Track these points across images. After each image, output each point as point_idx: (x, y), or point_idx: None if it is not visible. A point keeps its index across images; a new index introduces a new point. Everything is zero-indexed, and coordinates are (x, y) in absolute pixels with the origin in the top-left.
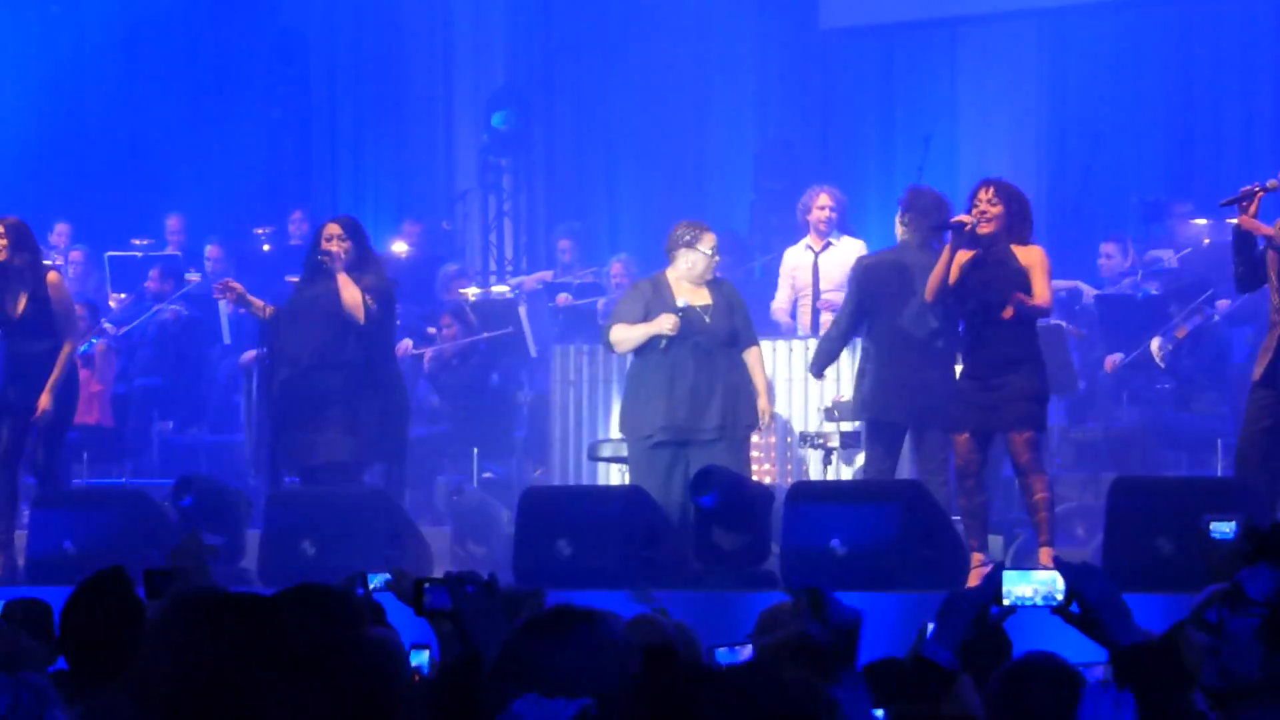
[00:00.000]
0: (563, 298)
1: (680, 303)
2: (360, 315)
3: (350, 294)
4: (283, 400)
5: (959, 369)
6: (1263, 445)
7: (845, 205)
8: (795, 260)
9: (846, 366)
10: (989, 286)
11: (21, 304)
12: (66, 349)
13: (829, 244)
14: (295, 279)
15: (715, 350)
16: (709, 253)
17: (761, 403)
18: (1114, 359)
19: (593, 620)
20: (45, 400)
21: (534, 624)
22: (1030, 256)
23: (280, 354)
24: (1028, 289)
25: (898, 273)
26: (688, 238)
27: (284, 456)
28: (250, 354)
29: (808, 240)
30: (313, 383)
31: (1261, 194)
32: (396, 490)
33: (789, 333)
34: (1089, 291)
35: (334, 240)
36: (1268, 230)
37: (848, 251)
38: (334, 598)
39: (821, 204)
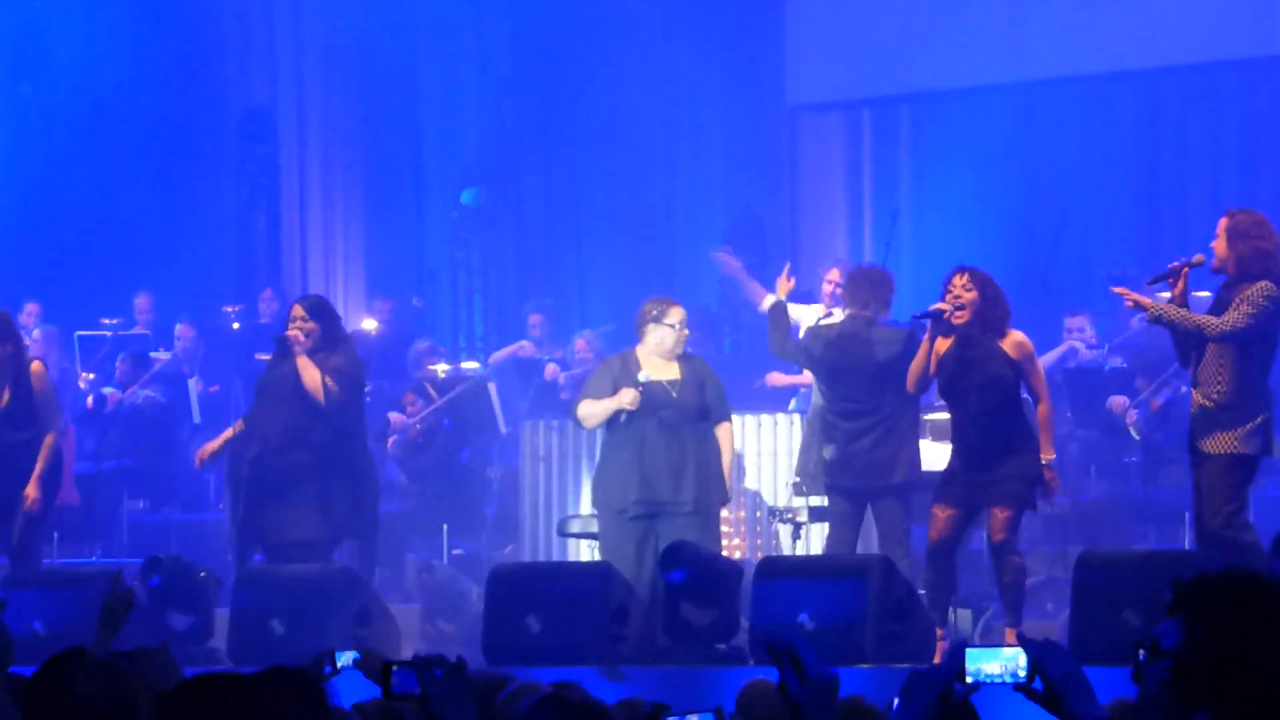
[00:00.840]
0: (551, 368)
1: (642, 377)
2: (320, 397)
3: (310, 376)
4: (252, 478)
5: (927, 442)
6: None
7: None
8: (808, 319)
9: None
10: (989, 389)
11: (5, 396)
12: (49, 440)
13: (830, 313)
14: (266, 357)
15: (683, 425)
16: (676, 326)
17: (711, 459)
18: (1119, 401)
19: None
20: (33, 490)
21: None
22: (1020, 349)
23: (251, 432)
24: (1020, 381)
25: (850, 344)
26: (655, 313)
27: (254, 534)
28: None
29: (819, 305)
30: (282, 461)
31: (1188, 269)
32: (367, 568)
33: (770, 404)
34: (1084, 351)
35: (297, 321)
36: (1145, 302)
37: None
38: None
39: (830, 278)
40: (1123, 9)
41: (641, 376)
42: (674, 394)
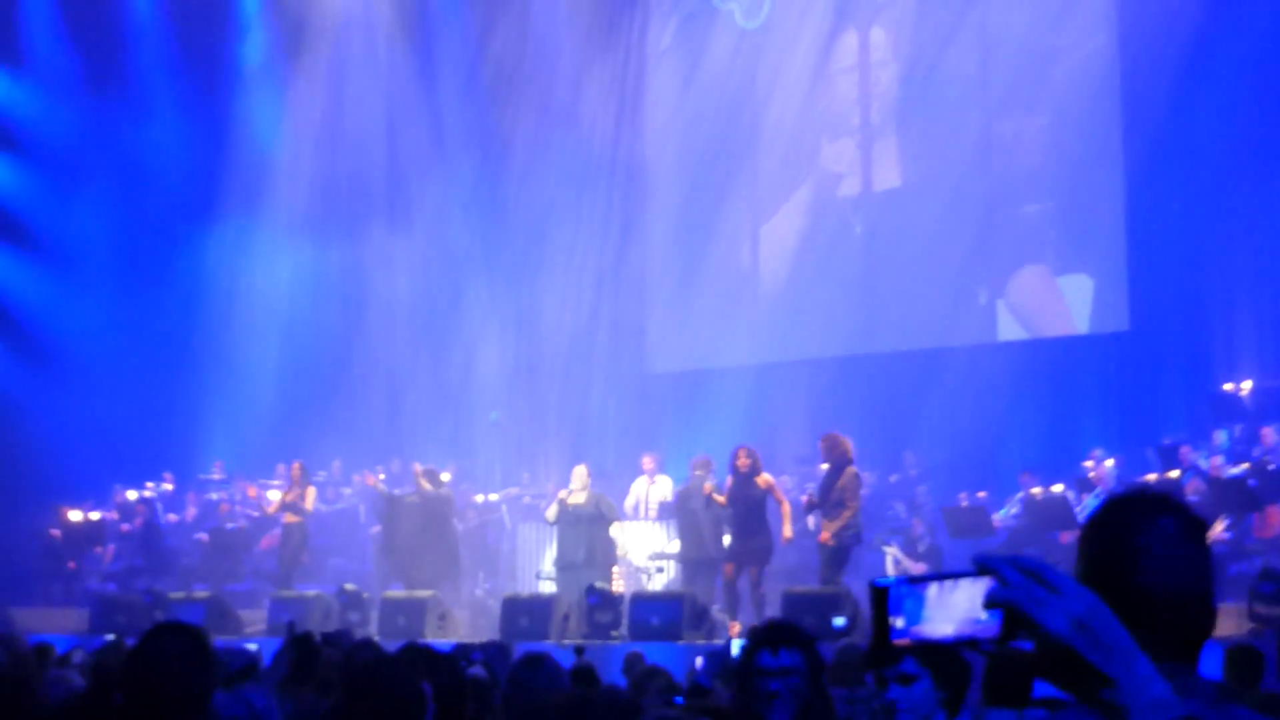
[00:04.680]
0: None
1: (555, 507)
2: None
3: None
4: (404, 548)
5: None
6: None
7: (661, 462)
8: (639, 489)
9: (659, 535)
10: (747, 503)
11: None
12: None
13: (654, 481)
14: (400, 491)
15: (581, 524)
16: (575, 478)
17: (606, 544)
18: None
19: (548, 660)
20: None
21: (524, 661)
22: (765, 482)
23: (398, 525)
24: (767, 497)
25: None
26: (571, 475)
27: (401, 576)
28: (376, 528)
29: (645, 477)
30: (420, 541)
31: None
32: (454, 592)
33: (634, 518)
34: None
35: (420, 476)
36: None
37: (663, 485)
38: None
39: (645, 465)
40: (849, 308)
41: (557, 502)
42: (569, 506)
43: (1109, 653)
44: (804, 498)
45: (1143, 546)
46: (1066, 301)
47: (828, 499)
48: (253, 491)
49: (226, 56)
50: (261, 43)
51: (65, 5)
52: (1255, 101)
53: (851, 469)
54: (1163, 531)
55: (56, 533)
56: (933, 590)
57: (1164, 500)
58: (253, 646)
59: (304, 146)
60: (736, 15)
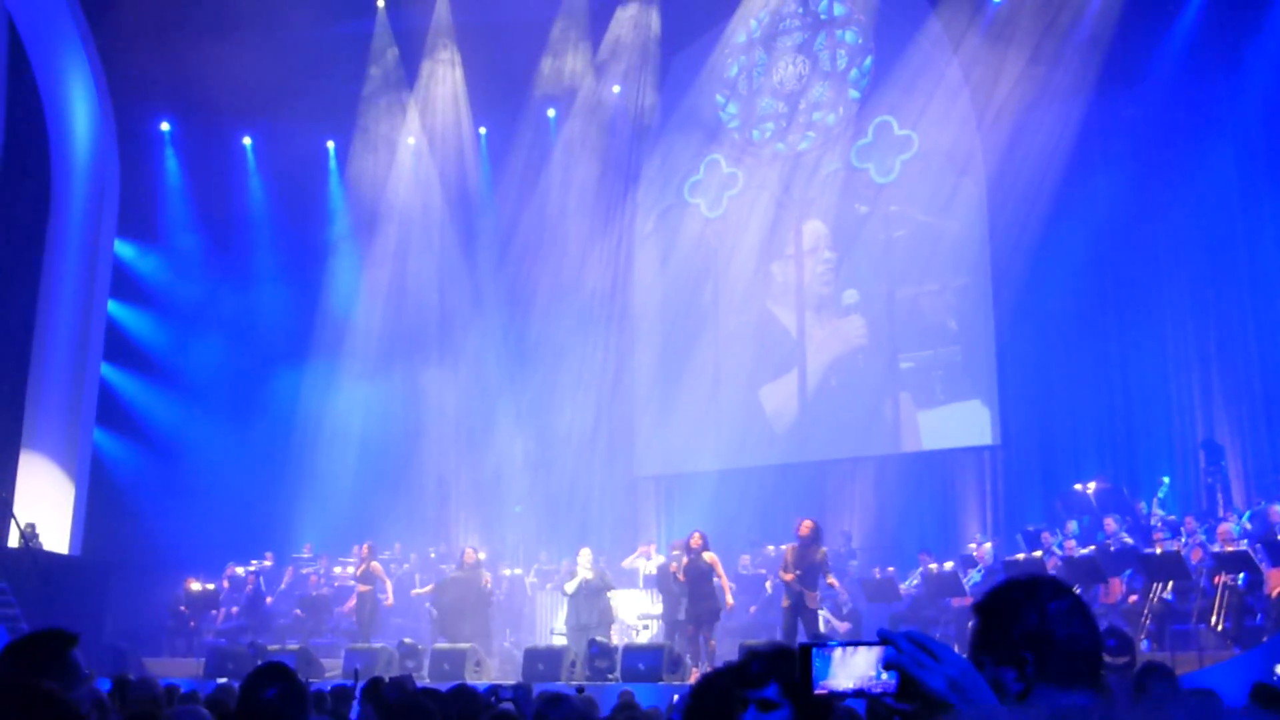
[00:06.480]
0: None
1: (575, 582)
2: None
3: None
4: (450, 614)
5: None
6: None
7: (653, 549)
8: (642, 566)
9: (644, 603)
10: (699, 575)
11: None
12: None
13: (650, 560)
14: (450, 567)
15: (591, 594)
16: (582, 557)
17: (607, 608)
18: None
19: (566, 700)
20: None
21: (546, 698)
22: (710, 559)
23: (447, 597)
24: (711, 572)
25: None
26: (578, 555)
27: (446, 631)
28: (424, 589)
29: (645, 558)
30: (460, 604)
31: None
32: (487, 644)
33: (628, 586)
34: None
35: (469, 551)
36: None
37: (655, 563)
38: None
39: (640, 550)
40: (788, 427)
41: (574, 582)
42: (583, 584)
43: (977, 706)
44: (787, 576)
45: (1058, 610)
46: (952, 422)
47: (804, 566)
48: (338, 570)
49: (316, 235)
50: (343, 226)
51: (191, 194)
52: (1094, 269)
53: (822, 549)
54: (1067, 602)
55: (184, 609)
56: (837, 654)
57: (1066, 586)
58: None
59: (374, 304)
60: (702, 208)
